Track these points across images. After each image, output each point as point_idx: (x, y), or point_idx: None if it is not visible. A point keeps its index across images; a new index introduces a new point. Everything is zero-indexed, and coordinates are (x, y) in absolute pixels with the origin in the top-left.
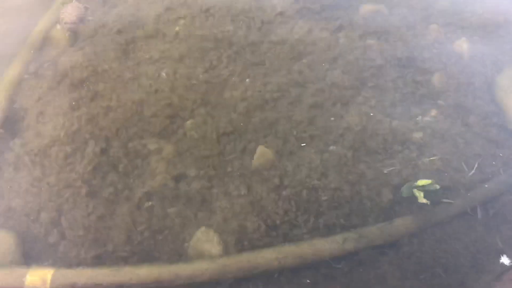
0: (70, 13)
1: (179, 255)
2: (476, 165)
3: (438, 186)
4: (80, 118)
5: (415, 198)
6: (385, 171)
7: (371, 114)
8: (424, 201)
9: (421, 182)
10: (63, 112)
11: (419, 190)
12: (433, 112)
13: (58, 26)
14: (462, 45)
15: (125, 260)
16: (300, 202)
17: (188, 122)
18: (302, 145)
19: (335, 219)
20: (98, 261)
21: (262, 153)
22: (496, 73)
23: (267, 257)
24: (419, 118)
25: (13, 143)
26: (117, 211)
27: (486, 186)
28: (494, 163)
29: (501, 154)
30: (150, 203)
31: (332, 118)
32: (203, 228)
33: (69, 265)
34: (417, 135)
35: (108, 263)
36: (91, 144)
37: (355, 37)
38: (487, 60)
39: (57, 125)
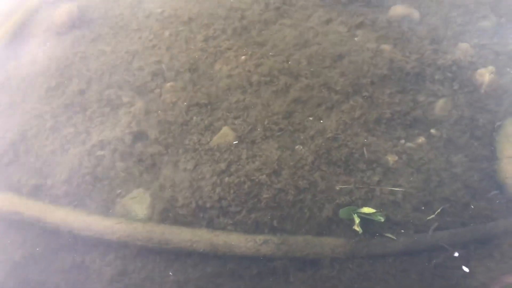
0: None
1: (107, 208)
2: (439, 210)
3: (382, 219)
4: (75, 55)
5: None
6: (337, 187)
7: (350, 124)
8: (357, 228)
9: (366, 209)
10: (63, 47)
11: (358, 216)
12: (420, 140)
13: None
14: (485, 75)
15: (56, 199)
16: (238, 193)
17: (168, 84)
18: (267, 136)
19: (267, 219)
20: (35, 191)
21: (224, 134)
22: (509, 116)
23: (182, 236)
24: (402, 141)
25: (8, 65)
26: (69, 151)
27: (440, 233)
28: (461, 213)
29: (472, 206)
30: (102, 152)
31: (310, 118)
32: (140, 189)
33: (9, 187)
34: (391, 159)
35: (42, 197)
36: (74, 82)
37: (372, 38)
38: (506, 99)
39: (52, 57)
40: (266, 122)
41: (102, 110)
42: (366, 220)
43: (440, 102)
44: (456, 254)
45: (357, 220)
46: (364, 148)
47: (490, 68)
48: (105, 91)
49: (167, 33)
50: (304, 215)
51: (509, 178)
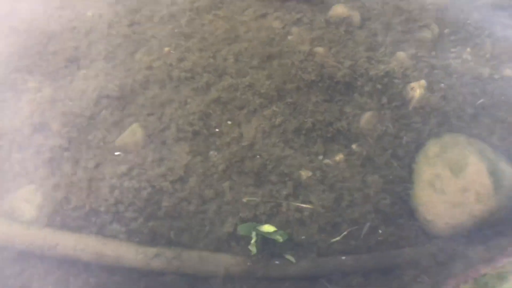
0: None
1: None
2: (345, 233)
3: (281, 239)
4: None
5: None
6: (244, 200)
7: (268, 132)
8: (252, 248)
9: (266, 227)
10: None
11: (257, 233)
12: (339, 157)
13: None
14: (416, 90)
15: None
16: (137, 198)
17: (81, 72)
18: (180, 138)
19: (165, 229)
20: None
21: (132, 132)
22: (434, 136)
23: (66, 242)
24: (320, 157)
25: None
26: None
27: (343, 258)
28: (367, 238)
29: (380, 231)
30: None
31: (229, 122)
32: (32, 186)
33: None
34: (304, 174)
35: None
36: None
37: (306, 39)
38: (433, 117)
39: None
40: (180, 122)
41: (3, 95)
42: (267, 239)
43: (366, 116)
44: None
45: (253, 239)
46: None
47: (422, 82)
48: (11, 75)
49: (89, 13)
50: (204, 228)
51: (422, 205)
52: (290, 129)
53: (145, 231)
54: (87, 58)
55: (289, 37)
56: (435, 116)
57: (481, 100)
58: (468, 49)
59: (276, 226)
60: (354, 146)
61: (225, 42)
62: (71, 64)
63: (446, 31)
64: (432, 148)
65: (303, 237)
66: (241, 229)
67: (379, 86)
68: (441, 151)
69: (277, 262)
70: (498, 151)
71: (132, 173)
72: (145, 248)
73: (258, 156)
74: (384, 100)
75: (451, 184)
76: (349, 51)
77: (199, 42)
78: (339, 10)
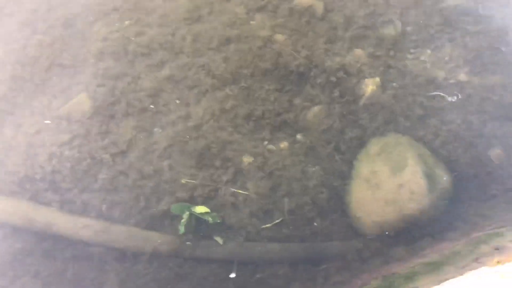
0: None
1: None
2: (277, 221)
3: (211, 220)
4: None
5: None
6: (183, 180)
7: (218, 115)
8: (181, 228)
9: (199, 208)
10: None
11: (190, 214)
12: (283, 144)
13: None
14: (369, 86)
15: None
16: (75, 168)
17: (36, 37)
18: (128, 113)
19: (97, 202)
20: None
21: (79, 102)
22: (379, 135)
23: None
24: (265, 143)
25: None
26: None
27: (271, 245)
28: (301, 229)
29: (316, 224)
30: None
31: (177, 101)
32: None
33: None
34: (246, 160)
35: None
36: None
37: (268, 25)
38: (380, 115)
39: None
40: (131, 97)
41: None
42: (199, 220)
43: (315, 108)
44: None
45: (184, 218)
46: None
47: (376, 79)
48: None
49: None
50: (139, 203)
51: (355, 201)
52: (240, 114)
53: (78, 202)
54: (45, 23)
55: (252, 22)
56: (383, 114)
57: (436, 92)
58: (428, 51)
59: (210, 209)
60: (299, 136)
61: (186, 21)
62: (26, 28)
63: (408, 29)
64: (374, 146)
65: (234, 220)
66: (174, 209)
67: (332, 79)
68: (382, 150)
69: (204, 242)
70: (437, 157)
71: (73, 142)
72: (74, 218)
73: (203, 138)
74: (336, 93)
75: (387, 181)
76: (308, 41)
77: (160, 18)
78: None
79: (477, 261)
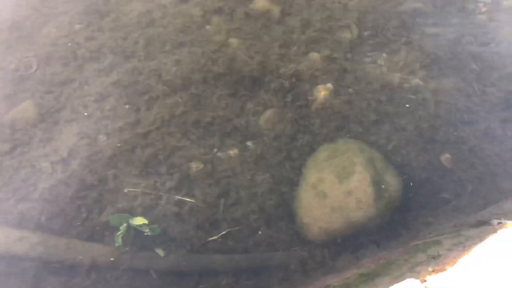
0: None
1: None
2: (224, 232)
3: (150, 232)
4: None
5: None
6: (125, 190)
7: (168, 121)
8: (118, 239)
9: (138, 219)
10: None
11: (129, 225)
12: (233, 151)
13: None
14: (321, 92)
15: None
16: (13, 178)
17: None
18: (72, 119)
19: (36, 213)
20: None
21: (24, 109)
22: (329, 140)
23: None
24: (215, 150)
25: None
26: None
27: (215, 256)
28: (246, 239)
29: (260, 233)
30: None
31: (126, 106)
32: None
33: None
34: (195, 166)
35: None
36: None
37: (224, 29)
38: (332, 121)
39: None
40: (76, 103)
41: None
42: (140, 231)
43: (267, 114)
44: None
45: (121, 230)
46: None
47: (328, 85)
48: None
49: None
50: (80, 214)
51: (301, 208)
52: (190, 121)
53: (14, 212)
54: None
55: (207, 27)
56: (335, 119)
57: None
58: (384, 55)
59: (152, 219)
60: (249, 143)
61: (139, 25)
62: None
63: (366, 33)
64: (323, 152)
65: (177, 231)
66: (113, 220)
67: (286, 84)
68: (330, 157)
69: (144, 254)
70: (389, 162)
71: (14, 152)
72: (7, 230)
73: (150, 146)
74: (289, 99)
75: (334, 188)
76: (262, 46)
77: (113, 21)
78: (260, 3)
79: (412, 270)
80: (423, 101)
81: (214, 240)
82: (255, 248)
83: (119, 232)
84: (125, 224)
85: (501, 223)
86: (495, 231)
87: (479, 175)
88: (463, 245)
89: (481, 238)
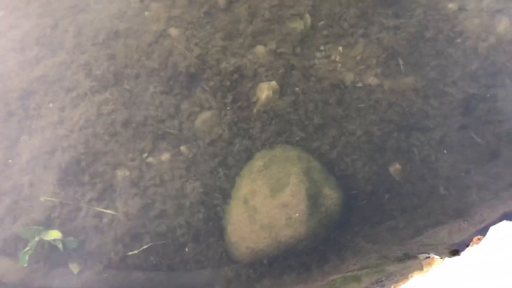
0: None
1: None
2: (145, 247)
3: (75, 245)
4: None
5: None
6: (41, 198)
7: (94, 120)
8: (23, 257)
9: (52, 233)
10: None
11: (41, 240)
12: (165, 156)
13: None
14: (264, 92)
15: None
16: None
17: None
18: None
19: None
20: None
21: None
22: (268, 147)
23: None
24: (145, 155)
25: None
26: None
27: (135, 274)
28: (172, 255)
29: (187, 249)
30: None
31: (51, 104)
32: None
33: None
34: (120, 174)
35: None
36: None
37: (163, 17)
38: (274, 124)
39: None
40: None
41: None
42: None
43: (204, 115)
44: None
45: (29, 247)
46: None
47: (273, 83)
48: None
49: None
50: None
51: (231, 224)
52: (119, 121)
53: None
54: None
55: (146, 13)
56: (277, 123)
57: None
58: (340, 48)
59: (70, 232)
60: (183, 148)
61: (71, 10)
62: None
63: (320, 23)
64: (259, 161)
65: (95, 245)
66: (23, 233)
67: (226, 82)
68: (266, 166)
69: (58, 270)
70: (329, 172)
71: None
72: None
73: (73, 149)
74: (229, 98)
75: (265, 203)
76: (204, 37)
77: (41, 6)
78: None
79: None
80: (375, 103)
81: (134, 254)
82: (181, 265)
83: (26, 249)
84: (36, 239)
85: (428, 257)
86: (421, 268)
87: (429, 189)
88: (382, 285)
89: (404, 276)
